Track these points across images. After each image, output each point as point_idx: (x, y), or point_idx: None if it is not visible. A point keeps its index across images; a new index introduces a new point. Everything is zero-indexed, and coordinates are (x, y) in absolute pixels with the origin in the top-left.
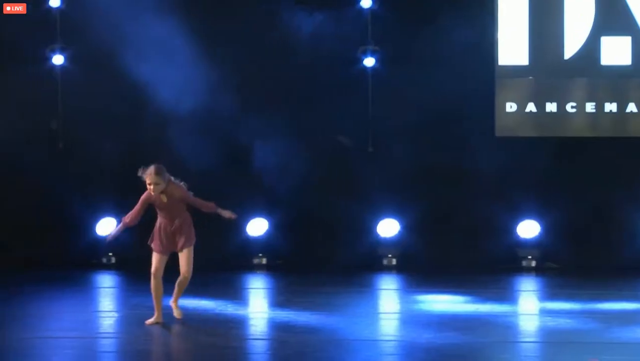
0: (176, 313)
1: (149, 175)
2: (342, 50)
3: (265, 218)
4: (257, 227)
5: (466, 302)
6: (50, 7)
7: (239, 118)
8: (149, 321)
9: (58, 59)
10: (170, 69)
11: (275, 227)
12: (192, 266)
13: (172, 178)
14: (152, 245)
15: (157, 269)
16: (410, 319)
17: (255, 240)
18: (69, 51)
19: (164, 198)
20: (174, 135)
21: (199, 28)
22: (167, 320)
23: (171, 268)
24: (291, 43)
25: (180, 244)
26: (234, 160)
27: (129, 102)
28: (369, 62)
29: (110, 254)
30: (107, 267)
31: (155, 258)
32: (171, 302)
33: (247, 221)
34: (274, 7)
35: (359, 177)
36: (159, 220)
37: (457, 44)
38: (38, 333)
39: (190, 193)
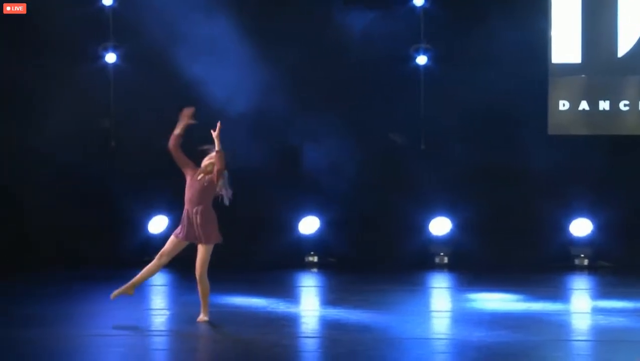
0: (199, 318)
1: (214, 153)
2: (394, 49)
3: (317, 217)
4: (309, 225)
5: (518, 300)
6: (103, 6)
7: (291, 117)
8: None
9: (111, 57)
10: (222, 68)
11: (327, 225)
12: (204, 267)
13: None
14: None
15: (163, 253)
16: (462, 317)
17: (307, 238)
18: (121, 49)
19: (198, 176)
20: (227, 134)
21: (250, 27)
22: (215, 318)
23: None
24: (344, 42)
25: (198, 237)
26: (286, 158)
27: (181, 101)
28: (422, 60)
29: None
30: None
31: (169, 241)
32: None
33: (299, 219)
34: (326, 6)
35: (411, 175)
36: (185, 207)
37: (510, 42)
38: (90, 330)
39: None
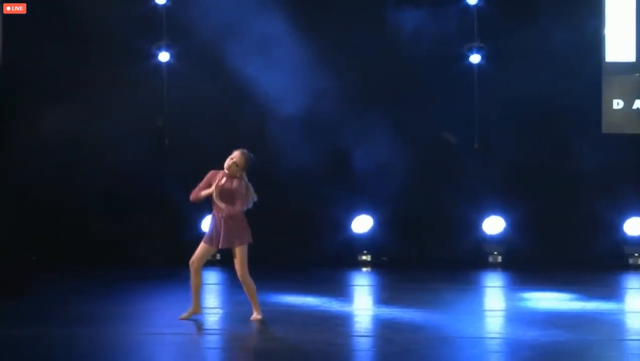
0: (253, 316)
1: (237, 152)
2: (448, 48)
3: (370, 215)
4: (362, 224)
5: (572, 300)
6: (157, 5)
7: (346, 116)
8: (184, 315)
9: (164, 56)
10: (274, 68)
11: (380, 224)
12: (244, 268)
13: (247, 179)
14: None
15: (193, 260)
16: (516, 316)
17: (360, 237)
18: (174, 48)
19: (222, 180)
20: (279, 133)
21: (302, 27)
22: (268, 317)
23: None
24: (396, 41)
25: (226, 241)
26: (341, 157)
27: (234, 100)
28: (475, 59)
29: None
30: (212, 264)
31: (199, 247)
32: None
33: (352, 218)
34: (378, 6)
35: (464, 174)
36: (212, 212)
37: (563, 41)
38: (143, 329)
39: (246, 198)
